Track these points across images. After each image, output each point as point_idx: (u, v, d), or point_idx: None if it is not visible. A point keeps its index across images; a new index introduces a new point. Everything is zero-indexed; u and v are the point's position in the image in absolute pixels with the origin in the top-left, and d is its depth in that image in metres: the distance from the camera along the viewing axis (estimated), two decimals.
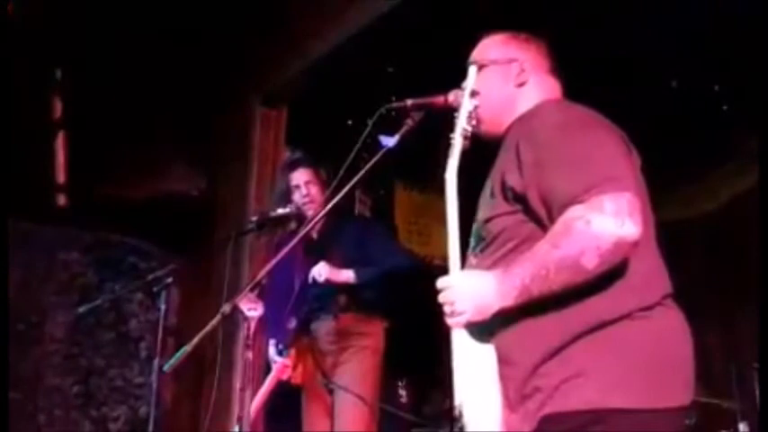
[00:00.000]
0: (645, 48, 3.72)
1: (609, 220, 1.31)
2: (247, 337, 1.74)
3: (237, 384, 3.34)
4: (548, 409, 1.35)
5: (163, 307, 2.64)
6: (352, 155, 1.83)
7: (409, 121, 1.79)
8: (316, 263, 2.96)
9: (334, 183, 1.93)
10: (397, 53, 3.95)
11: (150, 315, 4.29)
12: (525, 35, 1.68)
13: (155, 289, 2.68)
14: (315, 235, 3.06)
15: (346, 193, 1.87)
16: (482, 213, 1.55)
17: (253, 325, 1.73)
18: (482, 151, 1.61)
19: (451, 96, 1.70)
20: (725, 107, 4.27)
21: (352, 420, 2.85)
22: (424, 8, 3.45)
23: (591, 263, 1.32)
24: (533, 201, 1.42)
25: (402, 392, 4.76)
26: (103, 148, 4.32)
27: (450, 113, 1.76)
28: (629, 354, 1.36)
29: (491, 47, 1.68)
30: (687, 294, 1.62)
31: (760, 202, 1.50)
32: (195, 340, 1.63)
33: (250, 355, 1.77)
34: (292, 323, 2.96)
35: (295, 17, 4.18)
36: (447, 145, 1.53)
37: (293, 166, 3.18)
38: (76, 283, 4.30)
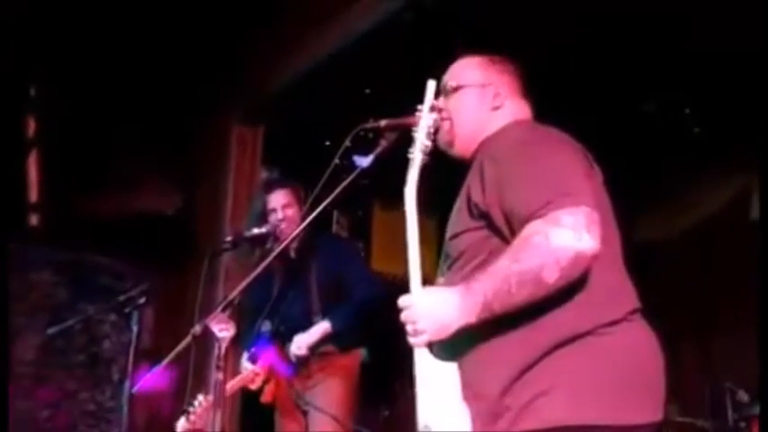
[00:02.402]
0: (618, 71, 3.79)
1: (567, 234, 1.32)
2: (218, 357, 1.72)
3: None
4: (518, 428, 1.35)
5: (135, 328, 2.60)
6: (325, 175, 1.84)
7: (384, 142, 1.80)
8: (294, 281, 2.95)
9: (309, 202, 1.93)
10: (373, 75, 3.98)
11: (123, 336, 4.21)
12: (499, 58, 1.71)
13: (127, 309, 2.64)
14: (292, 254, 3.05)
15: (322, 213, 1.87)
16: (450, 231, 1.58)
17: (224, 346, 1.71)
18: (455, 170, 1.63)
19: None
20: (696, 130, 4.36)
21: None
22: (402, 30, 3.48)
23: (551, 277, 1.33)
24: (496, 217, 1.44)
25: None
26: (77, 167, 4.27)
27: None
28: (595, 369, 1.36)
29: (466, 69, 1.70)
30: (662, 313, 1.63)
31: (760, 201, 1.56)
32: (165, 361, 1.61)
33: (221, 375, 1.75)
34: (264, 338, 2.94)
35: (272, 37, 4.20)
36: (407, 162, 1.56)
37: (269, 187, 3.18)
38: (47, 304, 4.22)
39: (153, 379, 1.85)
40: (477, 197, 1.47)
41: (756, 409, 3.28)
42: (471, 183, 1.51)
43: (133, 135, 4.40)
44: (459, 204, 1.56)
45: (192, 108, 4.63)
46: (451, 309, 1.38)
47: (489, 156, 1.50)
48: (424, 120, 1.60)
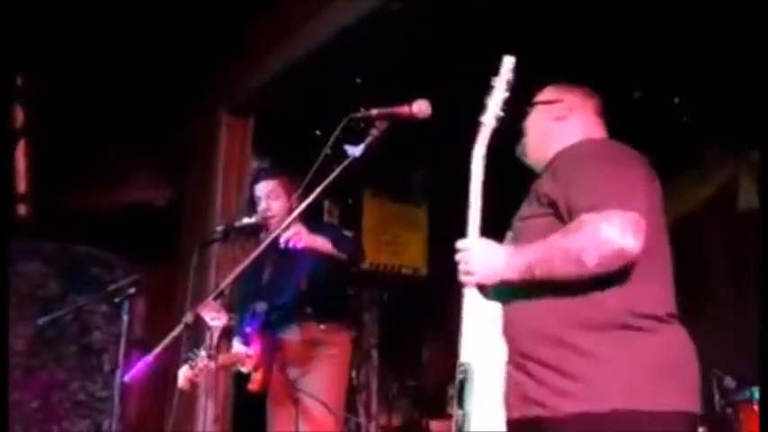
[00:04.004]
0: (609, 61, 3.80)
1: (614, 230, 1.51)
2: (210, 346, 1.73)
3: (201, 395, 3.31)
4: (572, 407, 1.50)
5: (126, 318, 2.61)
6: (316, 164, 1.85)
7: (374, 131, 1.86)
8: (283, 270, 2.95)
9: (299, 191, 1.94)
10: (364, 64, 3.97)
11: (114, 327, 4.21)
12: (574, 84, 1.94)
13: (117, 299, 2.64)
14: (282, 243, 3.05)
15: (313, 202, 1.88)
16: (520, 214, 1.77)
17: (216, 335, 1.72)
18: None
19: (415, 107, 1.80)
20: (684, 118, 4.38)
21: (318, 428, 2.84)
22: (390, 20, 3.47)
23: (590, 261, 1.52)
24: (561, 206, 1.64)
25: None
26: (66, 157, 4.25)
27: (415, 123, 1.80)
28: (645, 360, 1.52)
29: (546, 92, 1.93)
30: None
31: (760, 202, 1.65)
32: (156, 350, 1.61)
33: (213, 364, 1.75)
34: (258, 319, 2.94)
35: (263, 27, 4.18)
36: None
37: (257, 178, 3.18)
38: (37, 295, 4.21)
39: (142, 369, 1.85)
40: (547, 188, 1.67)
41: (743, 395, 3.32)
42: (543, 180, 1.72)
43: (123, 126, 4.38)
44: (529, 199, 1.76)
45: (181, 99, 4.61)
46: (500, 261, 1.61)
47: (565, 162, 1.71)
48: (498, 91, 1.74)
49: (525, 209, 1.76)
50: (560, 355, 1.54)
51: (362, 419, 5.31)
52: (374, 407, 5.48)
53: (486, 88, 1.76)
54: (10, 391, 4.00)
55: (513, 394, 1.55)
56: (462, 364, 1.56)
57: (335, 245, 2.84)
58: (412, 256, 5.62)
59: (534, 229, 1.67)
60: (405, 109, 1.82)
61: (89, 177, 4.41)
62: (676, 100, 4.32)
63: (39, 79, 4.23)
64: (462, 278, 1.62)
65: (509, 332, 1.58)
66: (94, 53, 4.12)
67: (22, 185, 4.30)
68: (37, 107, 4.25)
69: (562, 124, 1.84)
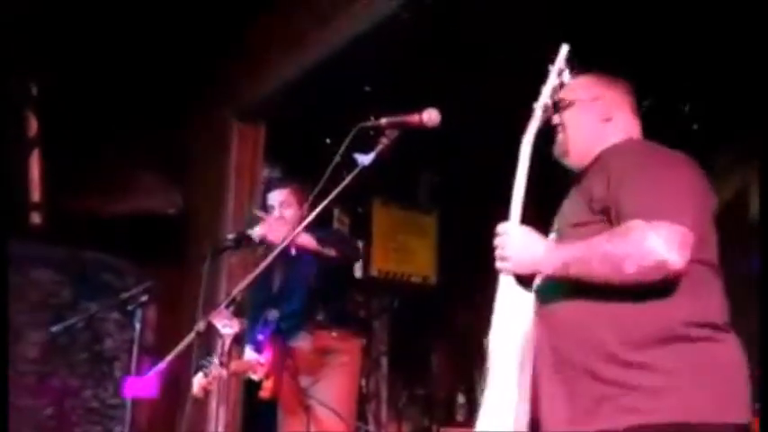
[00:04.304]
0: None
1: (660, 242, 1.46)
2: (221, 354, 1.73)
3: (213, 402, 3.32)
4: (636, 418, 1.45)
5: (138, 325, 2.62)
6: (326, 173, 1.86)
7: (384, 140, 1.83)
8: (293, 278, 2.96)
9: (310, 200, 1.95)
10: (374, 72, 3.99)
11: (126, 334, 4.23)
12: (610, 76, 1.84)
13: (130, 307, 2.65)
14: (293, 251, 3.06)
15: (323, 211, 1.89)
16: (568, 219, 1.70)
17: (227, 342, 1.73)
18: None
19: (425, 115, 1.80)
20: (695, 126, 4.37)
21: None
22: (401, 29, 3.49)
23: (630, 268, 1.47)
24: (613, 214, 1.58)
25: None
26: (79, 165, 4.28)
27: (424, 132, 1.81)
28: (710, 370, 1.49)
29: (579, 86, 1.81)
30: None
31: (760, 203, 1.64)
32: (168, 357, 1.62)
33: (224, 372, 1.76)
34: (270, 327, 2.95)
35: (274, 35, 4.21)
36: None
37: (270, 186, 3.21)
38: (50, 302, 4.24)
39: (146, 382, 1.86)
40: (600, 193, 1.60)
41: None
42: (594, 182, 1.64)
43: (135, 134, 4.41)
44: (576, 199, 1.70)
45: (194, 106, 4.65)
46: (537, 252, 1.57)
47: (613, 161, 1.63)
48: (551, 79, 1.70)
49: (574, 212, 1.68)
50: (619, 371, 1.48)
51: (372, 428, 5.30)
52: (384, 415, 5.47)
53: (498, 107, 1.75)
54: (23, 397, 4.04)
55: (563, 405, 1.52)
56: (488, 347, 1.57)
57: (322, 242, 2.83)
58: (421, 264, 5.61)
59: (587, 238, 1.60)
60: (415, 117, 1.82)
61: (101, 185, 4.44)
62: (686, 108, 4.31)
63: (53, 89, 4.27)
64: (497, 264, 1.60)
65: (555, 337, 1.54)
66: (107, 63, 4.17)
67: (35, 194, 4.34)
68: (51, 116, 4.29)
69: (607, 125, 1.76)
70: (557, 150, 1.80)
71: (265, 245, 2.87)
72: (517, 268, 1.58)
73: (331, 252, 2.83)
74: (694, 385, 1.46)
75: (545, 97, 1.70)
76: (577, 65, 1.74)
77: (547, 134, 1.74)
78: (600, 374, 1.49)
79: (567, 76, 1.71)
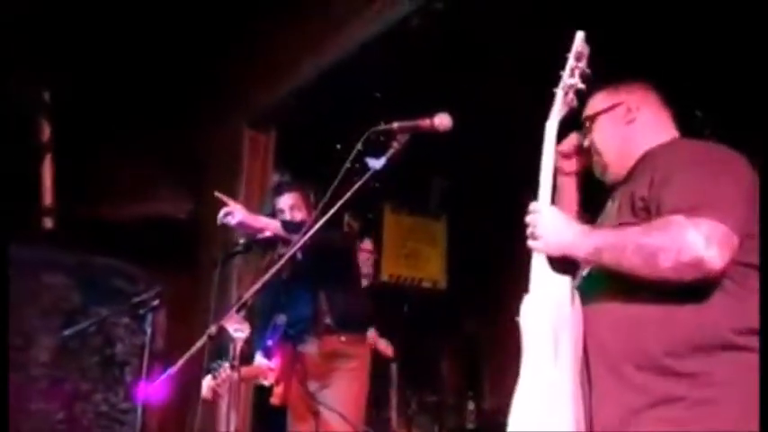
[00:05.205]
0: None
1: (700, 239, 1.40)
2: (233, 358, 1.74)
3: (223, 407, 3.33)
4: (688, 427, 1.39)
5: (149, 330, 2.63)
6: (338, 178, 1.86)
7: (396, 144, 1.85)
8: (302, 282, 2.96)
9: (321, 205, 1.96)
10: (384, 78, 4.00)
11: (136, 339, 4.25)
12: (624, 81, 1.81)
13: (141, 312, 2.66)
14: (300, 256, 3.07)
15: (334, 216, 1.89)
16: (611, 220, 1.65)
17: (239, 346, 1.73)
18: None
19: (437, 120, 1.80)
20: (707, 132, 4.34)
21: None
22: (411, 35, 3.50)
23: (665, 262, 1.41)
24: (653, 212, 1.52)
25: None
26: (91, 171, 4.31)
27: (434, 137, 1.82)
28: (754, 380, 1.42)
29: (595, 100, 1.80)
30: None
31: (760, 203, 1.56)
32: (180, 362, 1.63)
33: (236, 375, 1.77)
34: (279, 332, 2.95)
35: (284, 42, 4.23)
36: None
37: (279, 190, 3.21)
38: (61, 307, 4.26)
39: (157, 387, 1.86)
40: (643, 192, 1.55)
41: None
42: (638, 183, 1.59)
43: (147, 140, 4.44)
44: (620, 200, 1.64)
45: (205, 113, 4.67)
46: (569, 233, 1.55)
47: (658, 160, 1.59)
48: (570, 64, 1.70)
49: (617, 213, 1.63)
50: (665, 380, 1.44)
51: None
52: (393, 421, 5.45)
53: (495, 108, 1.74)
54: (35, 401, 4.05)
55: (613, 406, 1.47)
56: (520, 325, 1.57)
57: (287, 228, 2.81)
58: (431, 269, 5.61)
59: None
60: (426, 122, 1.83)
61: (112, 191, 4.47)
62: (699, 113, 4.29)
63: (65, 95, 4.31)
64: (529, 242, 1.58)
65: (605, 338, 1.50)
66: (119, 69, 4.20)
67: (47, 198, 4.37)
68: (63, 122, 4.32)
69: (634, 126, 1.72)
70: (597, 172, 1.78)
71: (265, 245, 2.88)
72: (549, 248, 1.56)
73: (290, 237, 2.72)
74: (742, 396, 1.41)
75: (566, 78, 1.69)
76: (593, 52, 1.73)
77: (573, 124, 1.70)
78: (647, 384, 1.45)
79: (585, 59, 1.71)
